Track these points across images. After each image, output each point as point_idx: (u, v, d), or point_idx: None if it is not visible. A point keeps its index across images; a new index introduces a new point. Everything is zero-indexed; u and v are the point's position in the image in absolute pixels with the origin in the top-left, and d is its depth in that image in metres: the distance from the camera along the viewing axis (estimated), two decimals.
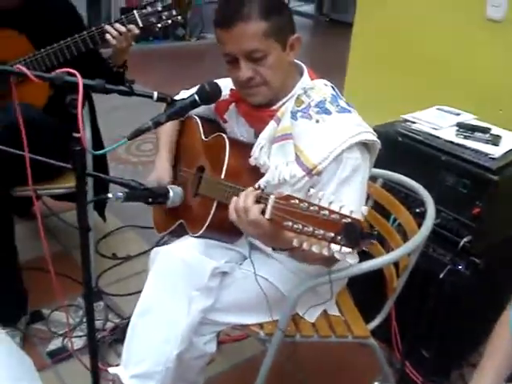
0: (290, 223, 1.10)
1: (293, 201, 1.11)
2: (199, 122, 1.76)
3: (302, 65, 1.62)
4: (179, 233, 1.70)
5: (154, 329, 1.52)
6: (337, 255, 1.04)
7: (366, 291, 1.84)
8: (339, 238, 1.03)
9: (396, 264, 1.71)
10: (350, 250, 1.03)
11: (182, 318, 1.50)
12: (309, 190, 1.14)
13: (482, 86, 2.37)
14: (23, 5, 2.23)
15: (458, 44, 2.47)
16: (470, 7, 2.39)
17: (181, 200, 1.58)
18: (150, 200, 1.50)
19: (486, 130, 2.03)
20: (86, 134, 2.25)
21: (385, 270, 1.75)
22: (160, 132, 1.82)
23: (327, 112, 1.46)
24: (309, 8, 8.98)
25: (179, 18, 2.19)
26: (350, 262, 1.07)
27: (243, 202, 1.24)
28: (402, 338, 1.98)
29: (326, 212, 1.05)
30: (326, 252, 1.05)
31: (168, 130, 1.81)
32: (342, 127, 1.44)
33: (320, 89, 1.52)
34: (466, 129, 2.02)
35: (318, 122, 1.45)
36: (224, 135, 1.63)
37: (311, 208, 1.07)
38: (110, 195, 1.41)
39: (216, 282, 1.54)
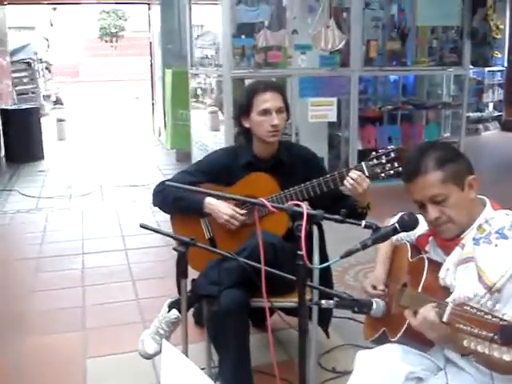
0: (462, 325, 1.34)
1: (466, 307, 1.37)
2: (409, 246, 2.08)
3: (485, 198, 1.88)
4: (383, 341, 1.97)
5: None
6: (496, 354, 1.25)
7: None
8: (496, 337, 1.24)
9: None
10: (506, 348, 1.24)
11: None
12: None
13: None
14: (276, 154, 2.79)
15: None
16: None
17: (382, 313, 1.86)
18: (356, 309, 1.81)
19: None
20: (314, 254, 2.65)
21: None
22: (379, 250, 2.18)
23: (505, 237, 1.70)
24: None
25: (400, 168, 2.48)
26: (506, 359, 1.26)
27: (426, 312, 1.51)
28: None
29: (489, 316, 1.28)
30: (487, 351, 1.26)
31: (384, 251, 2.17)
32: None
33: (501, 218, 1.76)
34: None
35: (496, 246, 1.70)
36: (425, 257, 1.93)
37: (478, 313, 1.31)
38: (323, 302, 1.76)
39: None
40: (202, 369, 2.89)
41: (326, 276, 2.87)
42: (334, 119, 6.49)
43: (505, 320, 1.27)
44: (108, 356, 3.24)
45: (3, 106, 9.45)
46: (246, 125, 2.77)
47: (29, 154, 9.12)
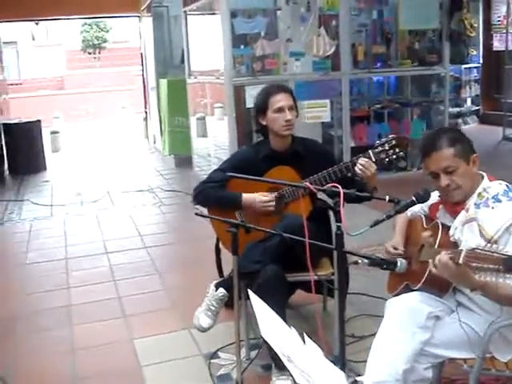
0: (474, 264, 1.82)
1: (476, 250, 1.85)
2: (423, 217, 2.57)
3: (483, 173, 2.38)
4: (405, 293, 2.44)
5: (388, 351, 2.25)
6: (501, 280, 1.73)
7: None
8: (500, 267, 1.72)
9: None
10: (509, 275, 1.71)
11: (407, 345, 2.22)
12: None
13: None
14: (291, 147, 3.25)
15: None
16: None
17: (404, 269, 2.33)
18: (385, 266, 2.27)
19: None
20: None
21: None
22: (396, 224, 2.66)
23: (499, 201, 2.21)
24: None
25: (401, 153, 2.98)
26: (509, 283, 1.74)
27: (441, 257, 2.01)
28: None
29: (494, 253, 1.76)
30: (494, 279, 1.74)
31: (401, 223, 2.65)
32: (510, 209, 2.16)
33: (495, 187, 2.27)
34: None
35: (493, 208, 2.21)
36: (439, 222, 2.42)
37: (486, 253, 1.80)
38: (359, 260, 2.23)
39: (431, 323, 2.25)
40: (241, 341, 3.30)
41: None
42: (328, 119, 6.96)
43: (506, 254, 1.75)
44: (152, 336, 3.66)
45: (5, 121, 9.81)
46: (263, 122, 3.21)
47: (32, 166, 9.48)
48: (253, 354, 3.31)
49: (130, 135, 13.84)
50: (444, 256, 2.00)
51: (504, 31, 11.20)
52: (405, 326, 2.24)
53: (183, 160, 9.20)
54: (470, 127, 11.54)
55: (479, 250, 1.85)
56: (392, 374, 2.21)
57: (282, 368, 3.00)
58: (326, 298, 3.75)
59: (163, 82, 9.57)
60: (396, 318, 2.28)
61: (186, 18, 7.99)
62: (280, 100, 3.15)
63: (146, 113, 12.09)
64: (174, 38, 10.15)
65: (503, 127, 9.91)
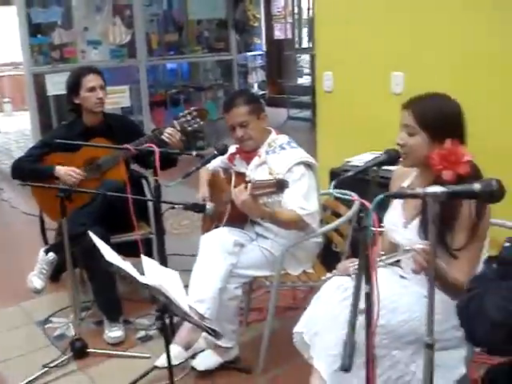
0: (257, 191, 2.39)
1: (258, 182, 2.42)
2: (221, 170, 3.10)
3: (271, 128, 2.97)
4: None
5: (205, 274, 2.75)
6: (276, 198, 2.38)
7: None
8: (275, 189, 2.32)
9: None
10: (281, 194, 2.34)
11: (220, 267, 2.74)
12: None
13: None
14: (104, 121, 3.62)
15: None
16: None
17: (212, 211, 2.82)
18: (197, 210, 2.75)
19: None
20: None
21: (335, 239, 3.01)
22: (200, 177, 3.13)
23: (284, 148, 2.83)
24: (307, 113, 10.67)
25: (201, 123, 3.46)
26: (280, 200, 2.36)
27: (238, 189, 2.53)
28: None
29: (270, 181, 2.35)
30: (271, 200, 2.37)
31: (204, 174, 3.13)
32: (291, 155, 2.79)
33: (281, 138, 2.90)
34: None
35: (279, 153, 2.82)
36: (232, 171, 2.97)
37: (264, 182, 2.38)
38: (176, 206, 2.68)
39: (237, 249, 2.80)
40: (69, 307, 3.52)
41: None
42: (128, 104, 7.28)
43: (276, 178, 2.36)
44: None
45: None
46: (77, 101, 3.55)
47: None
48: (84, 314, 3.63)
49: None
50: (243, 190, 2.52)
51: (283, 21, 12.41)
52: (217, 252, 2.75)
53: None
54: None
55: (260, 181, 2.42)
56: (209, 291, 2.71)
57: (113, 320, 3.38)
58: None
59: None
60: (210, 247, 2.79)
61: None
62: (91, 80, 3.50)
63: None
64: None
65: (287, 108, 11.01)
